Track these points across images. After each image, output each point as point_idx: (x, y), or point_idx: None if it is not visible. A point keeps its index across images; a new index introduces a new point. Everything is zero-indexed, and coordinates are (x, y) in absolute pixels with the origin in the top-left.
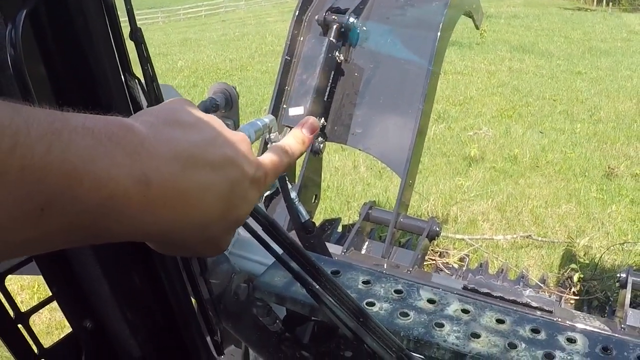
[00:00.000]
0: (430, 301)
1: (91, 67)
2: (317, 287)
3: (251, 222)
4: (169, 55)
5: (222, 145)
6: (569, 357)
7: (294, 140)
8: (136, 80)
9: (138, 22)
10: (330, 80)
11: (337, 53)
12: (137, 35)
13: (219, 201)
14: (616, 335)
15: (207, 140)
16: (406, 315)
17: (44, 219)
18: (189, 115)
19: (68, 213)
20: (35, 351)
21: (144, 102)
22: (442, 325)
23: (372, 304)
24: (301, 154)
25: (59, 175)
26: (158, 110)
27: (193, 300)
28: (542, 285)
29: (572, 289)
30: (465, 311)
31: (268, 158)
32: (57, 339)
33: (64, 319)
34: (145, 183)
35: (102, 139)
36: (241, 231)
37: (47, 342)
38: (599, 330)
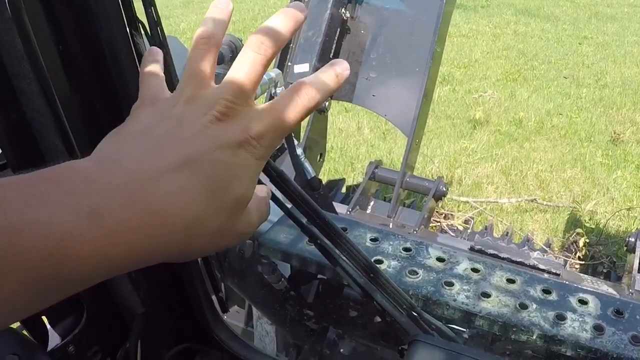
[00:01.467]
0: (440, 259)
1: (92, 8)
2: (327, 241)
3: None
4: (171, 18)
5: (182, 140)
6: (580, 319)
7: (324, 74)
8: (140, 24)
9: None
10: (336, 38)
11: (343, 10)
12: None
13: (196, 199)
14: (628, 299)
15: (164, 141)
16: (415, 273)
17: None
18: (143, 123)
19: (21, 269)
20: None
21: (147, 47)
22: (451, 284)
23: (380, 262)
24: (329, 94)
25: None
26: (112, 135)
27: None
28: (547, 249)
29: (578, 254)
30: (475, 270)
31: (272, 103)
32: None
33: None
34: (95, 216)
35: (39, 187)
36: None
37: None
38: (611, 293)
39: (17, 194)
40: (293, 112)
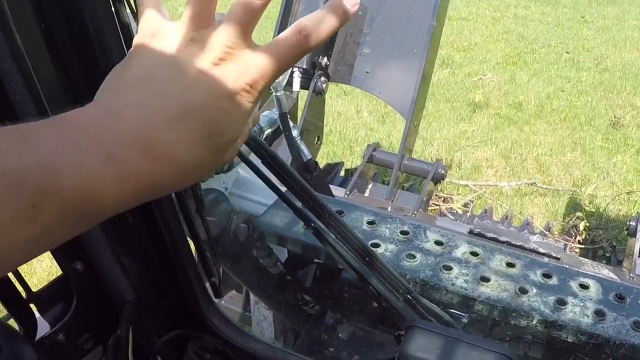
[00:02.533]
0: (438, 243)
1: None
2: (321, 224)
3: (252, 157)
4: (169, 1)
5: (181, 91)
6: (581, 304)
7: (330, 7)
8: (125, 3)
9: None
10: None
11: None
12: None
13: (195, 147)
14: (630, 283)
15: (161, 91)
16: (413, 257)
17: (39, 213)
18: (141, 69)
19: (58, 203)
20: (24, 295)
21: (134, 27)
22: (450, 268)
23: (377, 245)
24: (334, 29)
25: (38, 172)
26: (112, 81)
27: (190, 240)
28: (547, 233)
29: (578, 238)
30: (474, 254)
31: (260, 54)
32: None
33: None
34: (113, 161)
35: (64, 130)
36: (240, 170)
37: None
38: (612, 278)
39: (49, 138)
40: (289, 54)
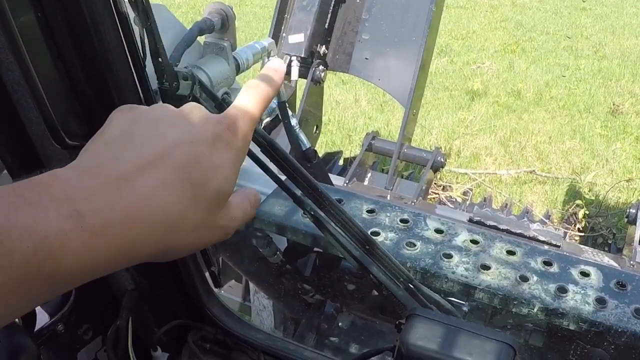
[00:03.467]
0: (438, 231)
1: None
2: (320, 212)
3: (251, 146)
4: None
5: (156, 140)
6: (582, 291)
7: (265, 71)
8: None
9: None
10: (331, 7)
11: None
12: None
13: (175, 193)
14: (631, 271)
15: (139, 144)
16: (413, 245)
17: None
18: (117, 129)
19: (9, 269)
20: None
21: (130, 13)
22: (450, 256)
23: (377, 234)
24: (279, 83)
25: None
26: (89, 144)
27: None
28: (546, 221)
29: (577, 226)
30: (474, 242)
31: (236, 102)
32: None
33: None
34: (77, 217)
35: (23, 193)
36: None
37: None
38: (613, 265)
39: (4, 200)
40: (255, 102)
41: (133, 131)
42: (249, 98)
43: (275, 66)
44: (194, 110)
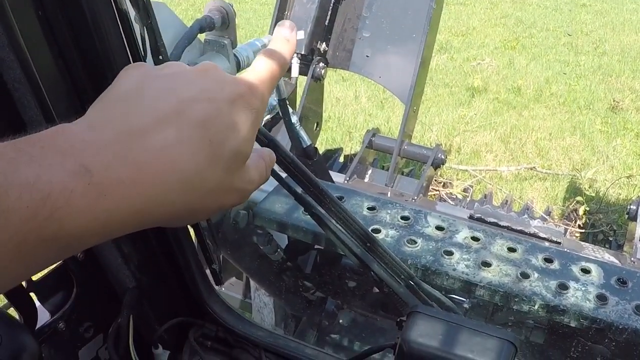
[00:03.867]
0: (439, 228)
1: None
2: (321, 209)
3: None
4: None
5: (173, 94)
6: (583, 288)
7: (276, 41)
8: None
9: None
10: (332, 4)
11: None
12: None
13: (193, 150)
14: (632, 268)
15: (154, 98)
16: (414, 242)
17: None
18: (130, 82)
19: (6, 230)
20: (24, 284)
21: (130, 11)
22: (451, 253)
23: (377, 231)
24: (291, 54)
25: None
26: (99, 99)
27: (189, 227)
28: (547, 217)
29: (578, 222)
30: (475, 239)
31: (251, 69)
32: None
33: None
34: (84, 173)
35: (25, 148)
36: None
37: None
38: (613, 262)
39: (3, 156)
40: (271, 67)
41: (146, 86)
42: (265, 64)
43: (287, 35)
44: (210, 67)
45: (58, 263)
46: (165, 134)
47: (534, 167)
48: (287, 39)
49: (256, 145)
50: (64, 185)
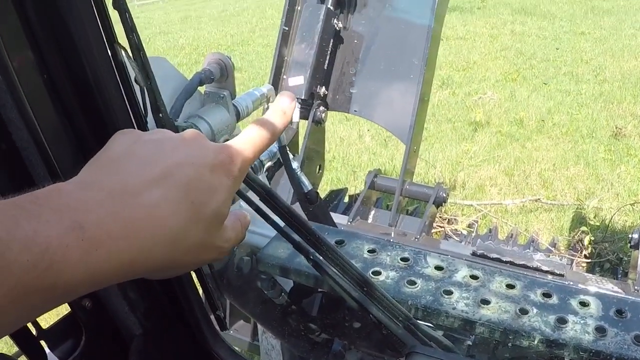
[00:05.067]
0: (438, 268)
1: (74, 38)
2: (319, 256)
3: (250, 194)
4: (169, 34)
5: (160, 159)
6: (582, 321)
7: (272, 112)
8: (122, 50)
9: (137, 4)
10: (330, 49)
11: (335, 21)
12: (120, 3)
13: (177, 209)
14: (630, 297)
15: (143, 161)
16: (413, 283)
17: None
18: (121, 146)
19: (9, 281)
20: (34, 332)
21: (131, 72)
22: (450, 293)
23: (378, 273)
24: (284, 126)
25: None
26: (92, 161)
27: (194, 275)
28: (552, 249)
29: (584, 252)
30: (474, 277)
31: (240, 135)
32: (55, 320)
33: None
34: (78, 229)
35: (25, 205)
36: (242, 204)
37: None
38: (612, 293)
39: (5, 213)
40: (256, 140)
41: (137, 150)
42: (252, 136)
43: (285, 107)
44: (195, 136)
45: (67, 312)
46: (153, 194)
47: (539, 199)
48: (284, 110)
49: (233, 208)
50: (60, 240)
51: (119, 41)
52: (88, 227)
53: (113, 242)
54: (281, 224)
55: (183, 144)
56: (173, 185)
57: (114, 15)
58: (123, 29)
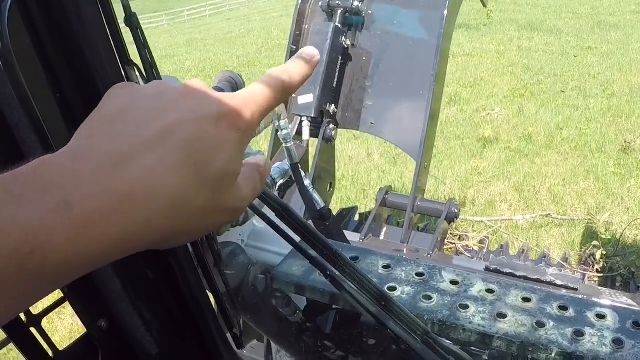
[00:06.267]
0: (454, 283)
1: (86, 55)
2: (336, 272)
3: (266, 210)
4: (175, 57)
5: (158, 116)
6: (599, 334)
7: (288, 64)
8: (135, 68)
9: (143, 27)
10: (338, 66)
11: (343, 38)
12: (132, 20)
13: (176, 174)
14: None
15: (138, 120)
16: (429, 298)
17: None
18: (116, 104)
19: None
20: (50, 354)
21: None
22: (466, 307)
23: (393, 289)
24: (298, 81)
25: None
26: (85, 122)
27: (209, 293)
28: (564, 264)
29: (595, 266)
30: (489, 291)
31: (247, 88)
32: (72, 341)
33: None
34: (63, 208)
35: (9, 185)
36: (256, 222)
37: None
38: (628, 306)
39: None
40: (270, 90)
41: (133, 106)
42: (264, 86)
43: (309, 54)
44: (198, 85)
45: (83, 333)
46: (149, 159)
47: (550, 214)
48: (300, 65)
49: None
50: (43, 222)
51: (132, 59)
52: (75, 204)
53: (103, 220)
54: (296, 239)
55: (183, 96)
56: (171, 146)
57: (125, 31)
58: (135, 47)
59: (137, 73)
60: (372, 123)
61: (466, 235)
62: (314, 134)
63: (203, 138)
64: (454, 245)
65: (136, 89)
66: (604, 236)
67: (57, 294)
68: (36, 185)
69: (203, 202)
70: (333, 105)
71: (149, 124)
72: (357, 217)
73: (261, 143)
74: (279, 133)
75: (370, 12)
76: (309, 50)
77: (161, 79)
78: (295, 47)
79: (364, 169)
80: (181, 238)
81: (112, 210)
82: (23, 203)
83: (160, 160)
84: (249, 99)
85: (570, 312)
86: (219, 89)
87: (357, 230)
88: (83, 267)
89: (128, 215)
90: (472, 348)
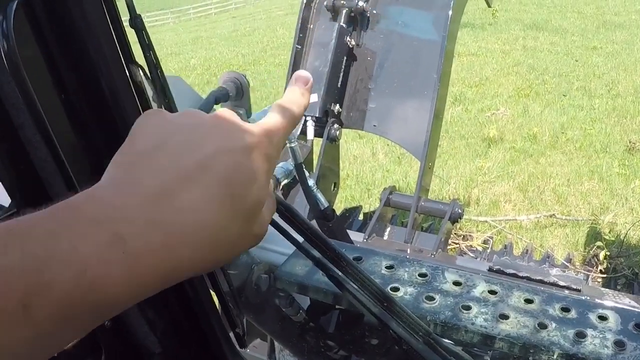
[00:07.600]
0: (456, 283)
1: (91, 57)
2: (339, 272)
3: None
4: (181, 55)
5: (195, 148)
6: (601, 335)
7: (291, 94)
8: (139, 69)
9: (148, 24)
10: (343, 66)
11: (348, 38)
12: (136, 21)
13: (218, 208)
14: None
15: (176, 153)
16: (432, 299)
17: (30, 313)
18: (150, 135)
19: (51, 301)
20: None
21: (148, 91)
22: (469, 308)
23: (396, 289)
24: (304, 108)
25: (24, 269)
26: (121, 155)
27: (212, 292)
28: (568, 264)
29: (599, 267)
30: (492, 292)
31: (267, 117)
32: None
33: None
34: (118, 242)
35: (61, 218)
36: None
37: None
38: (631, 307)
39: (41, 228)
40: (286, 118)
41: (167, 139)
42: (280, 116)
43: (304, 78)
44: (227, 116)
45: None
46: (190, 194)
47: (554, 214)
48: (302, 92)
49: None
50: (101, 256)
51: (136, 60)
52: (129, 238)
53: (154, 254)
54: (299, 240)
55: (215, 127)
56: (210, 179)
57: (129, 32)
58: (140, 48)
59: (142, 74)
60: (375, 125)
61: (470, 235)
62: (318, 133)
63: (239, 169)
64: (457, 245)
65: (168, 119)
66: (607, 237)
67: None
68: (89, 219)
69: (237, 231)
70: (338, 105)
71: (187, 156)
72: (361, 217)
73: None
74: None
75: (374, 12)
76: (304, 75)
77: (165, 80)
78: (300, 47)
79: (369, 168)
80: (216, 266)
81: (161, 244)
82: (78, 237)
83: (202, 194)
84: (272, 128)
85: (573, 314)
86: (223, 89)
87: (361, 229)
88: (135, 298)
89: (175, 249)
90: (474, 349)
